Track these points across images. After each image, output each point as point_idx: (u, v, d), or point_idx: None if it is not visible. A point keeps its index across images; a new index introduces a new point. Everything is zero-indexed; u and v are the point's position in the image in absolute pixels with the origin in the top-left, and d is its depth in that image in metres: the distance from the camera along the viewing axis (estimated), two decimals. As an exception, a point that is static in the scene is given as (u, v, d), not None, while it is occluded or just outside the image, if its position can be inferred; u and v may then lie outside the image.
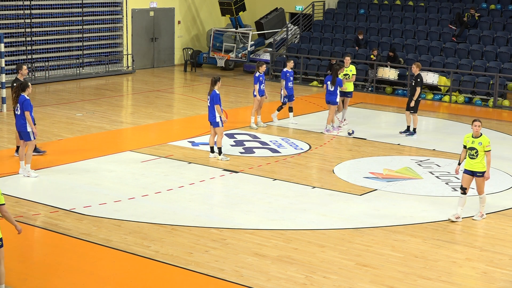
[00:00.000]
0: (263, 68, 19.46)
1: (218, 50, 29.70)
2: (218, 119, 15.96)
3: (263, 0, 32.58)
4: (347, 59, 20.01)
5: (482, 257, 11.24)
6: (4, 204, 9.00)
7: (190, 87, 26.52)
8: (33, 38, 26.11)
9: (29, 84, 14.66)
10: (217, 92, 15.94)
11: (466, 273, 10.63)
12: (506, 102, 23.75)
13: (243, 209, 13.11)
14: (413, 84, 18.95)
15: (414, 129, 19.20)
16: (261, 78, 19.49)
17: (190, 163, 15.99)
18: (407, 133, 19.17)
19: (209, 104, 16.02)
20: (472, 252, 11.46)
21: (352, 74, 19.98)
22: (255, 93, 19.48)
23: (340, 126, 19.57)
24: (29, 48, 25.90)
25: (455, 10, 28.05)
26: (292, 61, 20.41)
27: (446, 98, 24.81)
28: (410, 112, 19.05)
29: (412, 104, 18.88)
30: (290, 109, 20.40)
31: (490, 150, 12.47)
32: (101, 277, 10.13)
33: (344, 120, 20.10)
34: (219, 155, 16.20)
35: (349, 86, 19.91)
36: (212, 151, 16.36)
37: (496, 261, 11.08)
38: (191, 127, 19.37)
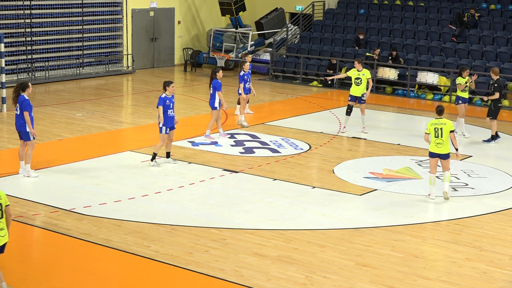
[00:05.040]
0: (246, 66, 19.60)
1: (218, 50, 29.71)
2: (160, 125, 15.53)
3: (263, 0, 32.57)
4: (357, 63, 19.14)
5: (482, 257, 11.24)
6: (8, 205, 9.00)
7: (190, 87, 26.51)
8: (33, 38, 26.10)
9: (30, 84, 14.63)
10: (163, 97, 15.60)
11: (466, 273, 10.62)
12: (506, 102, 23.74)
13: (243, 209, 13.11)
14: (492, 90, 18.59)
15: (493, 136, 18.66)
16: (245, 77, 19.63)
17: (190, 163, 15.99)
18: (490, 140, 18.65)
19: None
20: (472, 252, 11.46)
21: (367, 78, 19.09)
22: (239, 91, 19.67)
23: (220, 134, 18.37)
24: (29, 48, 25.90)
25: (455, 10, 28.05)
26: (250, 56, 20.89)
27: (446, 98, 24.81)
28: (490, 119, 18.50)
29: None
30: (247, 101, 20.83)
31: (426, 133, 13.84)
32: (101, 277, 10.13)
33: (344, 127, 19.36)
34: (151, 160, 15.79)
35: (360, 91, 19.09)
36: (168, 156, 15.93)
37: (496, 261, 11.08)
38: (191, 127, 19.36)
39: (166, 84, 15.57)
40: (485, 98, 18.90)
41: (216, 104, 17.76)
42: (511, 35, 25.95)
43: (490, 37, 26.12)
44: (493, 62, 25.00)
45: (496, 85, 18.54)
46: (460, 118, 19.26)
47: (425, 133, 13.83)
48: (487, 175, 15.81)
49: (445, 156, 13.68)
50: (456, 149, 13.96)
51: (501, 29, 26.56)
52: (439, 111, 13.90)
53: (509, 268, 10.88)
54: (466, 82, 18.91)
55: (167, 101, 15.45)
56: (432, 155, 13.77)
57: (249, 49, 29.46)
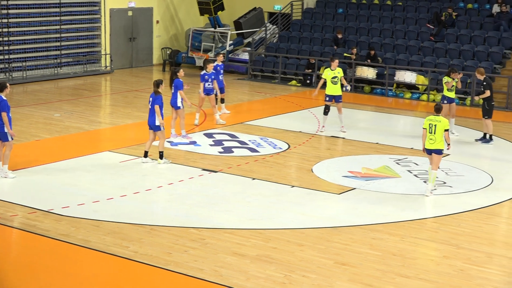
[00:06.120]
0: (210, 67, 19.54)
1: (197, 50, 29.68)
2: (157, 123, 15.63)
3: (241, 0, 32.58)
4: (335, 62, 19.19)
5: (459, 255, 11.33)
6: None
7: (168, 87, 26.42)
8: (10, 38, 25.93)
9: (7, 84, 14.58)
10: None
11: (443, 270, 10.70)
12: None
13: (222, 209, 13.12)
14: (482, 89, 18.66)
15: (490, 136, 18.75)
16: (206, 76, 19.53)
17: (169, 163, 15.96)
18: (483, 141, 18.74)
19: (150, 107, 15.73)
20: (449, 250, 11.54)
21: (341, 77, 19.12)
22: (200, 91, 19.73)
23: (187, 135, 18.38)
24: (6, 48, 25.73)
25: (433, 9, 28.23)
26: (221, 55, 21.15)
27: (424, 97, 24.95)
28: (485, 118, 18.62)
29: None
30: (222, 101, 20.96)
31: (423, 128, 14.21)
32: (80, 278, 10.09)
33: (323, 126, 19.43)
34: (161, 159, 15.83)
35: (336, 90, 19.12)
36: (145, 155, 15.92)
37: (473, 259, 11.18)
38: (170, 127, 19.32)
39: (160, 83, 15.77)
40: (477, 98, 19.05)
41: (179, 104, 17.75)
42: (488, 34, 26.15)
43: (467, 36, 26.31)
44: (470, 61, 25.17)
45: (485, 83, 18.65)
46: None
47: (423, 128, 14.23)
48: (464, 173, 15.93)
49: (438, 151, 14.08)
50: (448, 144, 14.32)
51: (478, 28, 26.76)
52: (437, 109, 14.28)
53: (486, 265, 10.97)
54: (453, 80, 18.96)
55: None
56: (427, 151, 14.24)
57: (227, 48, 29.47)
